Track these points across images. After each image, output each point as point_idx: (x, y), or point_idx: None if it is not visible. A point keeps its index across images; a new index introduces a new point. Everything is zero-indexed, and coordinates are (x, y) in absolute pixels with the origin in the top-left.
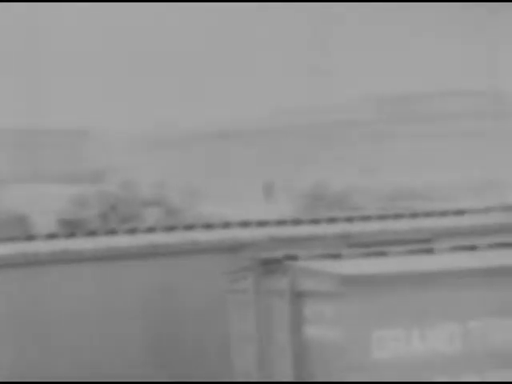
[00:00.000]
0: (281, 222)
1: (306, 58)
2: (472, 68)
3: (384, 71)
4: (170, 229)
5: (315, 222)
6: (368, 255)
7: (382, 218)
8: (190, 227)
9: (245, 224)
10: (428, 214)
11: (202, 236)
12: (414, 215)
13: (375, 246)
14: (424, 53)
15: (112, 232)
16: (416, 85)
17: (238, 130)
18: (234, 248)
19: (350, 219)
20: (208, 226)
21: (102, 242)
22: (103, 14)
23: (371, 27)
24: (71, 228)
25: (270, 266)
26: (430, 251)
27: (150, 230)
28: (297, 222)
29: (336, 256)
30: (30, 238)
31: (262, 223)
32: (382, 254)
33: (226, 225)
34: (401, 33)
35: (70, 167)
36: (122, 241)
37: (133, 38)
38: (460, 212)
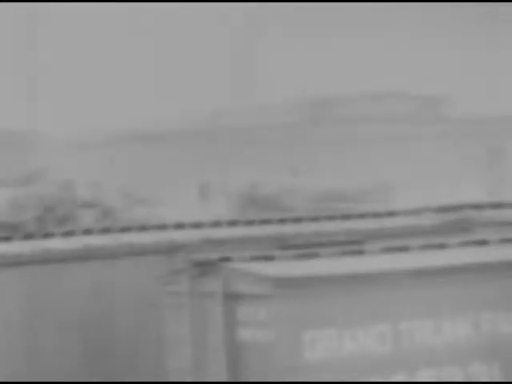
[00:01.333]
0: (215, 224)
1: (233, 59)
2: (399, 71)
3: (311, 73)
4: (106, 231)
5: (249, 223)
6: (300, 257)
7: (314, 219)
8: (125, 229)
9: (180, 226)
10: (360, 216)
11: (137, 238)
12: (346, 217)
13: (308, 248)
14: (350, 54)
15: (48, 235)
16: (343, 87)
17: (172, 131)
18: (170, 250)
19: (282, 221)
20: (143, 228)
21: (39, 245)
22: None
23: (297, 27)
24: (8, 231)
25: (204, 268)
26: (361, 252)
27: (86, 232)
28: (231, 223)
29: (269, 258)
30: None
31: (196, 225)
32: (315, 255)
33: (162, 227)
34: (327, 33)
35: (3, 169)
36: (58, 243)
37: (64, 39)
38: (391, 213)
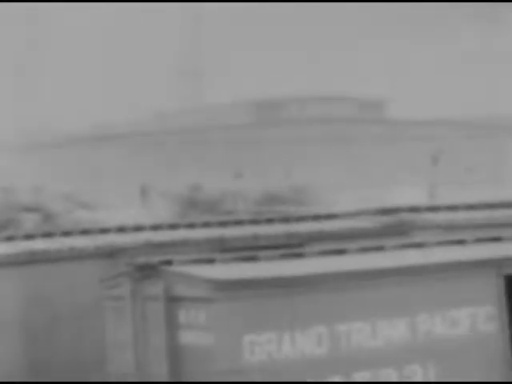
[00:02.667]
0: (156, 227)
1: (179, 60)
2: (342, 73)
3: (256, 75)
4: (48, 235)
5: (190, 226)
6: (241, 259)
7: (254, 222)
8: (67, 233)
9: (121, 229)
10: (299, 219)
11: (79, 242)
12: (286, 219)
13: (248, 251)
14: (295, 56)
15: None
16: (287, 89)
17: (115, 133)
18: (112, 253)
19: (223, 223)
20: (85, 232)
21: None
22: None
23: (246, 28)
24: None
25: (145, 272)
26: (300, 255)
27: (28, 236)
28: (172, 226)
29: (210, 261)
30: None
31: (138, 228)
32: (255, 258)
33: (103, 230)
34: (274, 35)
35: None
36: (0, 248)
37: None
38: (331, 216)
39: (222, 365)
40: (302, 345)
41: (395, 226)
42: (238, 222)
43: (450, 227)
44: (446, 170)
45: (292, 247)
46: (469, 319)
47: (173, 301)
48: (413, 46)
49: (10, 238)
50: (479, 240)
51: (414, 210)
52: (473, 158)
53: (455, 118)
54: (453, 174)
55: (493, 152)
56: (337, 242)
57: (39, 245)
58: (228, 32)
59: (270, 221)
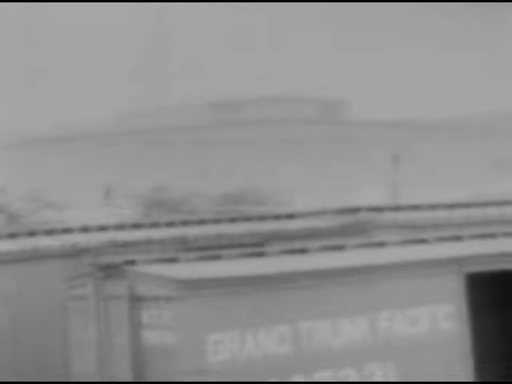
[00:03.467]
0: (120, 227)
1: (144, 62)
2: (301, 74)
3: (218, 75)
4: (12, 235)
5: (153, 226)
6: (204, 259)
7: (216, 221)
8: (31, 233)
9: (85, 229)
10: (261, 218)
11: (43, 242)
12: (248, 219)
13: (210, 250)
14: (256, 57)
15: None
16: (248, 90)
17: (79, 134)
18: (76, 253)
19: (186, 223)
20: (49, 232)
21: None
22: None
23: (206, 29)
24: None
25: (109, 271)
26: (262, 254)
27: None
28: (136, 226)
29: (173, 260)
30: None
31: (102, 228)
32: (217, 257)
33: (67, 230)
34: (234, 36)
35: None
36: None
37: None
38: (292, 216)
39: (186, 364)
40: (265, 344)
41: (356, 226)
42: (201, 222)
43: (411, 227)
44: (407, 171)
45: (254, 246)
46: (429, 318)
47: (136, 300)
48: (376, 47)
49: None
50: (440, 239)
51: (375, 209)
52: (434, 159)
53: (416, 120)
54: (414, 174)
55: (453, 153)
56: (298, 241)
57: (3, 245)
58: (190, 33)
59: (232, 220)
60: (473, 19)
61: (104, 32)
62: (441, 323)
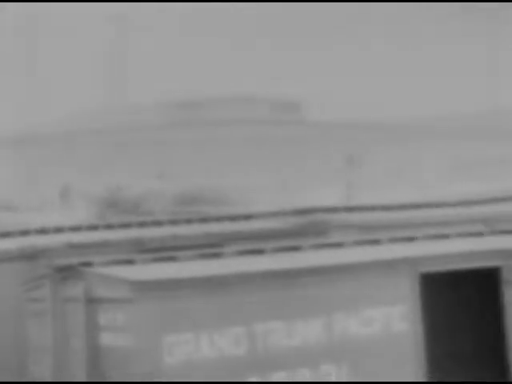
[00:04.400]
0: (76, 228)
1: (102, 62)
2: (261, 75)
3: (178, 76)
4: None
5: (110, 227)
6: (160, 260)
7: (173, 222)
8: None
9: (42, 231)
10: (218, 219)
11: (0, 244)
12: (205, 220)
13: (167, 251)
14: (217, 58)
15: None
16: (208, 90)
17: (36, 134)
18: (32, 255)
19: (142, 224)
20: (6, 234)
21: None
22: None
23: (168, 31)
24: None
25: (65, 273)
26: (219, 255)
27: None
28: (92, 227)
29: (129, 261)
30: None
31: (58, 229)
32: (173, 258)
33: (24, 232)
34: (195, 38)
35: None
36: None
37: None
38: (248, 216)
39: (141, 366)
40: (220, 345)
41: (312, 226)
42: (158, 223)
43: (366, 227)
44: (363, 172)
45: (210, 247)
46: (383, 318)
47: (93, 302)
48: (334, 48)
49: None
50: (394, 240)
51: (330, 210)
52: (389, 160)
53: (374, 121)
54: (369, 175)
55: (409, 154)
56: (254, 242)
57: None
58: (150, 34)
59: (188, 221)
60: (444, 18)
61: (65, 33)
62: (395, 324)
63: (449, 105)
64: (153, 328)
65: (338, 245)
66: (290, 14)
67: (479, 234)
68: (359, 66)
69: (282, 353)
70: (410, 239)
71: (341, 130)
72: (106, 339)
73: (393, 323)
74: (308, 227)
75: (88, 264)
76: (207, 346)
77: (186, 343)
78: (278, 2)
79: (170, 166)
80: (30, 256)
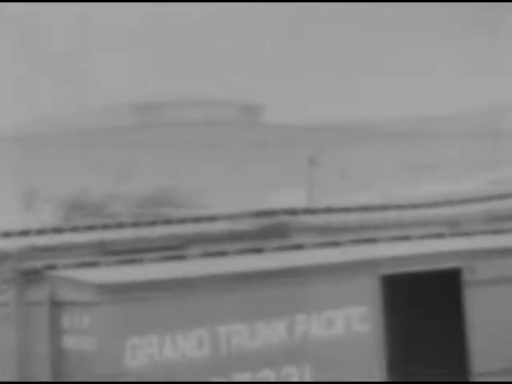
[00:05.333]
0: (41, 231)
1: (66, 63)
2: (222, 78)
3: (137, 78)
4: None
5: (74, 230)
6: (124, 263)
7: (136, 225)
8: None
9: (6, 234)
10: (181, 221)
11: None
12: (168, 222)
13: (130, 253)
14: (176, 60)
15: None
16: (167, 92)
17: None
18: None
19: (106, 227)
20: None
21: None
22: None
23: (126, 33)
24: None
25: (30, 277)
26: (182, 257)
27: None
28: (57, 230)
29: (93, 264)
30: None
31: (23, 233)
32: (137, 261)
33: None
34: (154, 39)
35: None
36: None
37: None
38: (211, 218)
39: (105, 369)
40: (184, 347)
41: (274, 228)
42: (121, 225)
43: (328, 229)
44: (323, 174)
45: (174, 249)
46: (344, 320)
47: (57, 305)
48: (296, 50)
49: None
50: (355, 241)
51: (292, 212)
52: (349, 162)
53: (333, 123)
54: (330, 177)
55: (367, 157)
56: (217, 243)
57: None
58: (112, 35)
59: (152, 223)
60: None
61: (24, 33)
62: (356, 325)
63: (409, 107)
64: (116, 331)
65: (300, 247)
66: (251, 15)
67: (440, 236)
68: (320, 68)
69: (244, 354)
70: (371, 241)
71: (302, 133)
72: (70, 342)
73: (354, 324)
74: (270, 229)
75: (52, 267)
76: (170, 348)
77: (150, 345)
78: (240, 2)
79: (133, 168)
80: None
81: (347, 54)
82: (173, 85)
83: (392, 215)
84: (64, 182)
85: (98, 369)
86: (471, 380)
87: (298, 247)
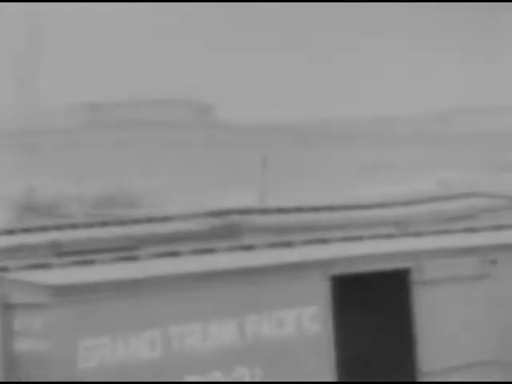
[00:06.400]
0: None
1: (16, 64)
2: (175, 77)
3: (91, 78)
4: None
5: (26, 231)
6: (77, 264)
7: (90, 225)
8: None
9: None
10: (134, 221)
11: None
12: (121, 222)
13: (84, 254)
14: (130, 58)
15: None
16: (120, 92)
17: None
18: None
19: (59, 228)
20: None
21: None
22: None
23: (78, 30)
24: None
25: None
26: (135, 258)
27: None
28: (8, 231)
29: (46, 266)
30: None
31: None
32: (90, 262)
33: None
34: (110, 36)
35: None
36: None
37: None
38: (164, 219)
39: (58, 371)
40: (136, 348)
41: (227, 229)
42: (75, 226)
43: (280, 229)
44: (275, 175)
45: (128, 250)
46: (295, 320)
47: (9, 308)
48: (251, 51)
49: None
50: (307, 242)
51: (244, 212)
52: (301, 163)
53: (285, 124)
54: (282, 178)
55: (320, 157)
56: (171, 244)
57: None
58: (63, 34)
59: (105, 224)
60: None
61: None
62: (306, 325)
63: (359, 109)
64: (68, 333)
65: (252, 247)
66: (207, 16)
67: (390, 236)
68: (275, 69)
69: (197, 355)
70: (322, 241)
71: (255, 133)
72: (23, 345)
73: (304, 324)
74: (222, 229)
75: (4, 269)
76: (123, 350)
77: (102, 347)
78: (198, 2)
79: (86, 168)
80: None
81: (303, 54)
82: (126, 84)
83: (343, 216)
84: (16, 182)
85: (51, 371)
86: (419, 379)
87: (250, 247)
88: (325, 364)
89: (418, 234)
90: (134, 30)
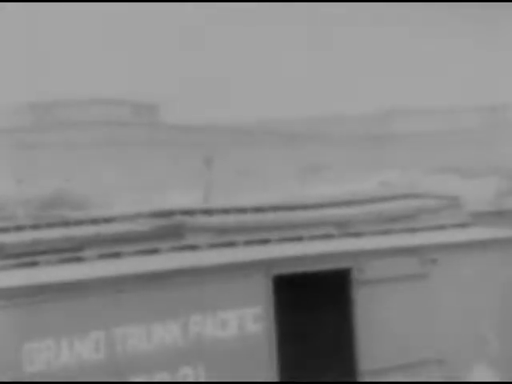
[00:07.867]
0: None
1: None
2: (116, 77)
3: (29, 77)
4: None
5: None
6: (20, 266)
7: (34, 227)
8: None
9: None
10: (78, 222)
11: None
12: (66, 223)
13: (28, 256)
14: (71, 58)
15: None
16: (65, 91)
17: None
18: None
19: (3, 229)
20: None
21: None
22: None
23: (17, 29)
24: None
25: None
26: (80, 259)
27: None
28: None
29: None
30: None
31: None
32: (34, 263)
33: None
34: (57, 35)
35: None
36: None
37: None
38: (108, 219)
39: (2, 375)
40: (80, 351)
41: (170, 229)
42: (18, 228)
43: (223, 230)
44: (221, 175)
45: (72, 251)
46: (238, 320)
47: None
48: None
49: None
50: (249, 242)
51: (187, 213)
52: (243, 163)
53: (229, 124)
54: (225, 178)
55: (267, 157)
56: (114, 245)
57: None
58: (11, 32)
59: (49, 225)
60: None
61: None
62: (249, 326)
63: (302, 109)
64: (11, 336)
65: (194, 247)
66: (144, 14)
67: (331, 236)
68: (218, 70)
69: (140, 356)
70: (265, 241)
71: (198, 133)
72: None
73: (247, 325)
74: (166, 230)
75: None
76: (67, 352)
77: (47, 350)
78: (137, 2)
79: (29, 169)
80: None
81: (252, 55)
82: (69, 84)
83: (286, 216)
84: None
85: None
86: (359, 379)
87: (193, 247)
88: (268, 364)
89: (358, 235)
90: (83, 30)
